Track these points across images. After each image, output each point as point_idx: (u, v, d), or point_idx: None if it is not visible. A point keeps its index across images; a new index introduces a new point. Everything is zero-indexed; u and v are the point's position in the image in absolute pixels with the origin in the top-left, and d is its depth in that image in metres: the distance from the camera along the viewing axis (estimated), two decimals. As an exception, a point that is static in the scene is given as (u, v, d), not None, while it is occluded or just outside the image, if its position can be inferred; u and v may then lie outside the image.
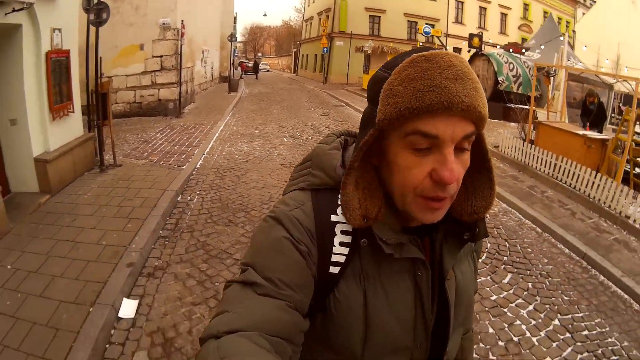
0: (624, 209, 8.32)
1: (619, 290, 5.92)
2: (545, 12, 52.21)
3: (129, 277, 4.76)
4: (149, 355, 3.80)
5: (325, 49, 40.86)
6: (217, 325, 0.90)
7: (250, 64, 54.42)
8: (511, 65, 19.60)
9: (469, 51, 24.13)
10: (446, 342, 1.20)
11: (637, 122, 9.66)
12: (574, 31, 45.83)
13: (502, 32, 46.76)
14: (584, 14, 40.46)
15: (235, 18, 42.37)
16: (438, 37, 30.37)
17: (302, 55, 57.88)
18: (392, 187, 1.04)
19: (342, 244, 1.07)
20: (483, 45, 24.66)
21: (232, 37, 35.31)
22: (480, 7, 47.28)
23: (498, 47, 25.45)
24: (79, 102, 8.42)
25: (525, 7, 51.19)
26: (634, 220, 7.93)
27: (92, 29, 8.59)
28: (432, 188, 0.97)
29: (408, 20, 42.43)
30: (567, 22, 51.81)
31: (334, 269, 1.05)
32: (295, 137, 13.25)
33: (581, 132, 11.39)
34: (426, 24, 41.58)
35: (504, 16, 48.73)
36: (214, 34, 28.54)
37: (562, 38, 19.24)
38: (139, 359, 3.79)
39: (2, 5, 5.73)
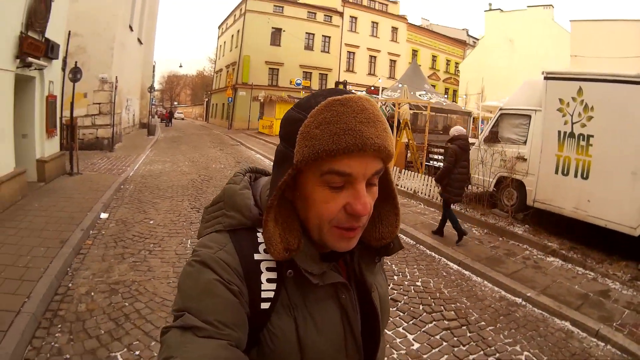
0: (408, 184, 14.24)
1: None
2: (434, 56, 59.26)
3: (102, 207, 9.75)
4: (116, 224, 8.73)
5: (230, 99, 45.86)
6: None
7: (166, 112, 57.24)
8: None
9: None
10: (376, 350, 1.27)
11: (407, 128, 15.87)
12: (458, 70, 52.33)
13: (391, 76, 51.56)
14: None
15: (154, 67, 45.41)
16: (308, 87, 35.87)
17: (213, 104, 62.78)
18: (308, 219, 1.10)
19: (269, 280, 1.09)
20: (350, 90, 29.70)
21: (151, 88, 39.52)
22: (371, 55, 53.74)
23: (353, 91, 30.83)
24: (59, 129, 13.19)
25: (414, 53, 56.47)
26: (416, 191, 13.69)
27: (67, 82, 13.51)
28: (347, 219, 1.04)
29: (303, 71, 48.31)
30: (457, 63, 57.47)
31: (264, 305, 1.07)
32: (194, 162, 18.84)
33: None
34: (319, 73, 48.44)
35: (392, 62, 54.61)
36: (135, 84, 31.64)
37: (400, 85, 24.01)
38: (110, 225, 8.66)
39: (30, 65, 10.19)
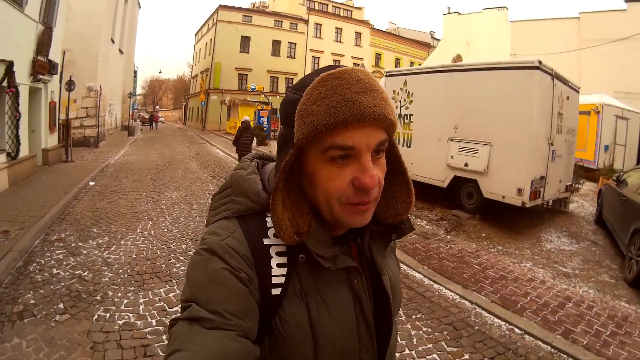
0: None
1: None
2: (397, 59, 61.22)
3: (91, 178, 13.94)
4: (99, 187, 12.93)
5: (202, 103, 49.88)
6: None
7: (147, 116, 60.51)
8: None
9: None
10: (389, 336, 1.28)
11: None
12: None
13: (355, 81, 54.94)
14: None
15: (135, 72, 48.80)
16: (262, 92, 39.96)
17: (190, 107, 66.07)
18: (317, 199, 1.08)
19: (279, 265, 1.08)
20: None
21: (131, 94, 42.71)
22: (335, 60, 56.40)
23: None
24: (57, 126, 17.31)
25: (378, 56, 60.00)
26: None
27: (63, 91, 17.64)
28: (356, 194, 1.02)
29: (270, 76, 52.50)
30: (420, 65, 58.08)
31: (275, 291, 1.06)
32: (162, 154, 23.39)
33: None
34: (286, 77, 51.89)
35: (356, 65, 57.02)
36: (118, 90, 34.81)
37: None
38: (96, 187, 12.87)
39: (39, 80, 14.24)
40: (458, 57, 13.27)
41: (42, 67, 14.12)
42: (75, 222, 9.06)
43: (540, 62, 9.63)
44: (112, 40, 28.81)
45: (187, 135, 41.66)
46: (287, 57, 53.75)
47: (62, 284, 5.86)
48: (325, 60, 56.00)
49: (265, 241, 1.09)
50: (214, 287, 0.99)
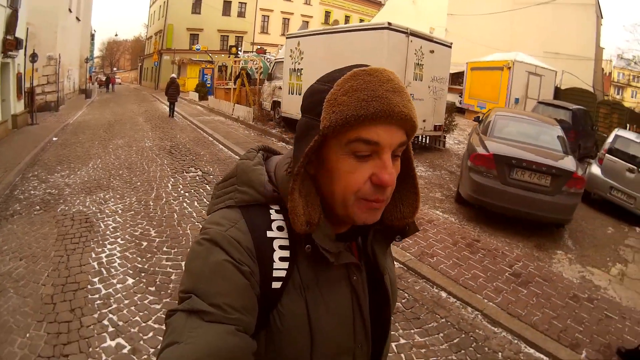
0: (237, 112, 21.46)
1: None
2: (347, 16, 61.45)
3: (53, 135, 17.06)
4: (61, 141, 16.09)
5: (155, 63, 52.32)
6: (171, 358, 0.89)
7: (104, 78, 59.98)
8: (255, 62, 26.59)
9: (229, 56, 31.95)
10: (387, 335, 1.30)
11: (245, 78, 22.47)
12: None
13: (304, 37, 55.79)
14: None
15: (93, 36, 50.02)
16: (206, 52, 42.12)
17: (145, 68, 67.49)
18: (332, 192, 1.08)
19: (281, 259, 1.08)
20: (240, 52, 33.37)
21: (88, 60, 44.82)
22: (285, 18, 58.18)
23: (242, 52, 35.84)
24: (23, 95, 20.06)
25: (327, 14, 60.53)
26: (239, 117, 20.95)
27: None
28: (372, 192, 1.03)
29: (221, 35, 54.01)
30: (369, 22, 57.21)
31: (276, 285, 1.06)
32: (115, 113, 26.47)
33: (223, 87, 24.87)
34: (235, 36, 53.12)
35: (305, 23, 55.47)
36: (75, 56, 36.51)
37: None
38: (58, 141, 15.91)
39: (8, 56, 17.10)
40: (335, 22, 16.51)
41: (11, 45, 16.70)
42: (44, 164, 12.34)
43: (389, 24, 11.85)
44: (70, 10, 30.66)
45: (140, 95, 44.38)
46: (238, 16, 55.24)
47: (38, 197, 9.23)
48: (275, 19, 57.62)
49: (269, 234, 1.09)
50: (216, 279, 0.99)
